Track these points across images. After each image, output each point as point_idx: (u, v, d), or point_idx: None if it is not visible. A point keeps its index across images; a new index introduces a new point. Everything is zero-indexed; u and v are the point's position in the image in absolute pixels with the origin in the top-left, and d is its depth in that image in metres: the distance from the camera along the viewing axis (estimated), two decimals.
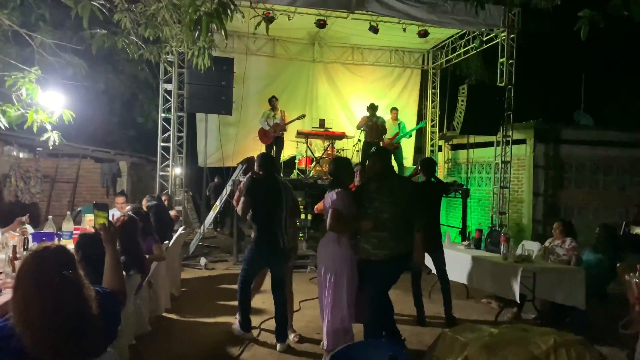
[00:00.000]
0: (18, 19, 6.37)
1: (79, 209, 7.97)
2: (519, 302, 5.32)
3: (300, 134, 10.26)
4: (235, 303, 4.88)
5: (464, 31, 10.41)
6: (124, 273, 3.86)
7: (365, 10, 8.57)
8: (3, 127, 5.65)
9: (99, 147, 9.91)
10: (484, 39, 9.92)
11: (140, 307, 4.60)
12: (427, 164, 5.85)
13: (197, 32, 4.59)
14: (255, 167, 4.77)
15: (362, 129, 10.06)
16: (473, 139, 10.99)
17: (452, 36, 10.95)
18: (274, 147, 9.95)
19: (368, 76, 11.98)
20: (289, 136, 10.34)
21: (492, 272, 5.73)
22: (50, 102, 5.92)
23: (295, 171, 10.32)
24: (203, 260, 8.54)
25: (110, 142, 10.55)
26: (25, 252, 3.94)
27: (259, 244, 4.61)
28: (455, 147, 12.37)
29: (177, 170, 9.70)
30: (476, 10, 4.54)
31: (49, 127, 5.87)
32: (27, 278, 1.97)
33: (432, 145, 12.51)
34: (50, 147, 6.14)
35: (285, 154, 10.61)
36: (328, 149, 10.26)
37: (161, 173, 9.31)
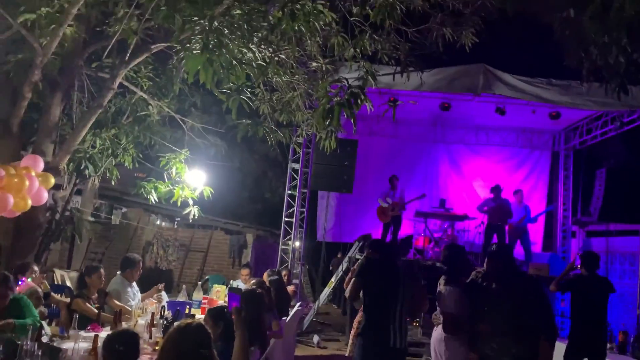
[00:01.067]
0: (175, 106, 7.38)
1: (207, 277, 8.51)
2: None
3: (419, 213, 10.15)
4: None
5: (601, 112, 9.76)
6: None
7: (492, 92, 8.50)
8: (154, 202, 6.44)
9: (229, 219, 10.70)
10: (625, 120, 9.19)
11: None
12: (589, 258, 5.42)
13: (329, 120, 4.93)
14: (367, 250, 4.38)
15: (485, 210, 9.66)
16: (613, 226, 9.91)
17: (588, 117, 10.31)
18: (392, 226, 9.90)
19: (492, 157, 11.63)
20: (407, 215, 10.27)
21: None
22: (194, 180, 6.66)
23: (412, 250, 10.09)
24: (316, 338, 8.52)
25: (240, 215, 11.36)
26: (160, 320, 4.27)
27: (366, 341, 3.93)
28: (591, 234, 11.22)
29: (297, 244, 10.04)
30: (618, 95, 4.28)
31: (191, 202, 6.56)
32: (169, 350, 2.14)
33: (564, 231, 11.49)
34: (190, 220, 6.82)
35: (403, 233, 10.48)
36: (448, 229, 9.95)
37: (283, 247, 9.70)
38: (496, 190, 9.60)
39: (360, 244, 9.76)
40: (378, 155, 11.39)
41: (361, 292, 4.02)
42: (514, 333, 3.63)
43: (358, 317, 4.51)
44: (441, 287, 4.12)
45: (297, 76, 5.79)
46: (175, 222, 10.73)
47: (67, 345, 3.15)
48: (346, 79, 4.85)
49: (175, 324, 2.35)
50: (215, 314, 3.71)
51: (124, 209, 9.68)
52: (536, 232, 11.16)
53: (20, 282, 4.21)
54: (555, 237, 11.54)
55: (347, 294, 4.20)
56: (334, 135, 7.34)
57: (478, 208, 9.85)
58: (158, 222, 10.37)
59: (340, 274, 9.48)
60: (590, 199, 9.25)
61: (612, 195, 8.40)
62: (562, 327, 9.26)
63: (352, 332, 5.58)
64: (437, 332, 4.14)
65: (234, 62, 4.03)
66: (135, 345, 2.65)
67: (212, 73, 3.83)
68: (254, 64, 4.40)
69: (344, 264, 9.37)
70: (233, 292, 2.86)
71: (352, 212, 11.08)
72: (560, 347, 6.05)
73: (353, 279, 4.10)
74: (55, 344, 3.21)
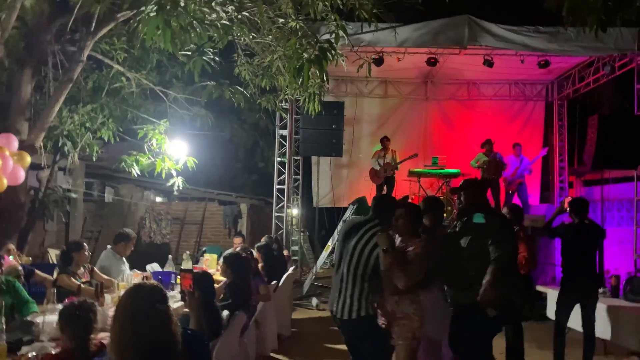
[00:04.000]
0: (155, 78, 7.24)
1: (204, 249, 8.56)
2: None
3: (412, 173, 10.07)
4: (343, 347, 4.68)
5: (592, 58, 9.52)
6: (227, 312, 4.02)
7: (479, 44, 8.27)
8: (136, 175, 6.39)
9: (225, 191, 10.69)
10: (617, 64, 8.96)
11: (246, 346, 4.71)
12: (578, 204, 5.35)
13: (301, 79, 4.80)
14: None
15: (479, 165, 9.57)
16: (608, 173, 9.81)
17: (579, 64, 10.06)
18: (385, 187, 9.86)
19: (486, 111, 11.45)
20: (401, 176, 10.20)
21: (637, 325, 5.00)
22: (176, 151, 6.58)
23: None
24: (315, 301, 8.59)
25: (235, 186, 11.34)
26: None
27: None
28: (588, 183, 11.13)
29: (294, 211, 10.03)
30: (596, 33, 4.12)
31: (174, 173, 6.51)
32: (122, 310, 2.12)
33: (561, 182, 11.42)
34: (175, 192, 6.77)
35: (397, 194, 10.43)
36: (442, 187, 9.90)
37: (277, 214, 9.70)
38: (488, 144, 9.49)
39: (355, 206, 9.74)
40: (368, 116, 11.25)
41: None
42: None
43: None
44: None
45: (270, 37, 5.61)
46: (170, 196, 10.74)
47: (40, 318, 3.15)
48: (315, 35, 4.71)
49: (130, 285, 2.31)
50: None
51: (117, 186, 9.71)
52: (533, 184, 11.09)
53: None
54: (552, 188, 11.47)
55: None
56: (317, 97, 7.21)
57: (471, 164, 9.76)
58: (152, 198, 10.39)
59: (336, 238, 9.49)
60: (583, 147, 9.11)
61: (605, 143, 8.24)
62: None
63: None
64: None
65: (195, 22, 3.89)
66: (93, 312, 2.65)
67: (170, 35, 3.70)
68: (218, 24, 4.25)
69: (339, 227, 9.37)
70: (185, 270, 2.80)
71: (346, 176, 11.03)
72: (553, 294, 6.08)
73: None
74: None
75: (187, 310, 2.77)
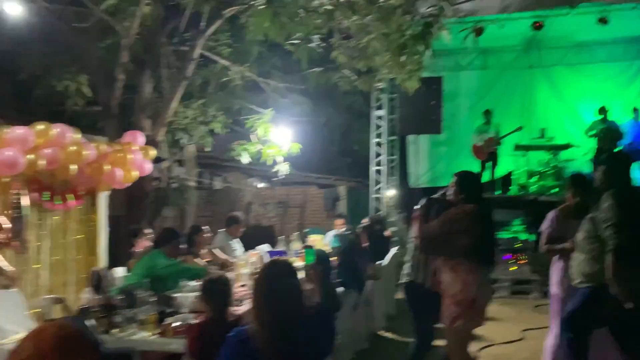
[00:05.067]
0: (256, 70, 7.57)
1: (306, 230, 8.85)
2: None
3: (518, 147, 9.56)
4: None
5: None
6: (343, 289, 4.16)
7: (592, 0, 7.56)
8: (244, 163, 6.77)
9: (322, 174, 10.94)
10: None
11: (357, 324, 4.85)
12: None
13: (404, 56, 4.76)
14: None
15: (595, 134, 8.84)
16: None
17: None
18: (489, 163, 9.47)
19: (598, 75, 10.48)
20: (506, 150, 9.72)
21: None
22: (280, 138, 6.87)
23: (514, 188, 9.59)
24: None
25: (331, 169, 11.54)
26: None
27: None
28: None
29: (391, 192, 10.01)
30: None
31: (280, 159, 6.80)
32: (260, 286, 2.30)
33: None
34: (281, 177, 7.08)
35: (502, 170, 9.98)
36: (551, 161, 9.30)
37: (374, 196, 9.74)
38: (603, 111, 8.73)
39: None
40: (467, 90, 10.81)
41: None
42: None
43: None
44: None
45: (369, 16, 5.59)
46: (272, 182, 11.23)
47: (177, 294, 3.50)
48: (417, 11, 4.63)
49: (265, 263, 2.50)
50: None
51: (224, 175, 10.33)
52: None
53: (138, 243, 4.72)
54: None
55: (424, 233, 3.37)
56: (416, 74, 7.08)
57: (585, 132, 9.04)
58: (255, 184, 10.93)
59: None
60: None
61: None
62: None
63: None
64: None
65: (300, 11, 4.02)
66: (229, 286, 2.90)
67: (278, 26, 3.85)
68: (321, 10, 4.34)
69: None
70: (307, 248, 2.94)
71: (445, 154, 10.73)
72: None
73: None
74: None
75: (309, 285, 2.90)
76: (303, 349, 2.25)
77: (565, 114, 10.55)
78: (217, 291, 2.86)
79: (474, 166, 9.76)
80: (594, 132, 8.88)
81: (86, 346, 1.26)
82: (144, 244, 4.66)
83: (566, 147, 9.35)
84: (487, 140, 9.34)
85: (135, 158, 5.26)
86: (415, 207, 3.58)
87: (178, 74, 6.23)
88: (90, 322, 2.73)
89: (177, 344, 2.82)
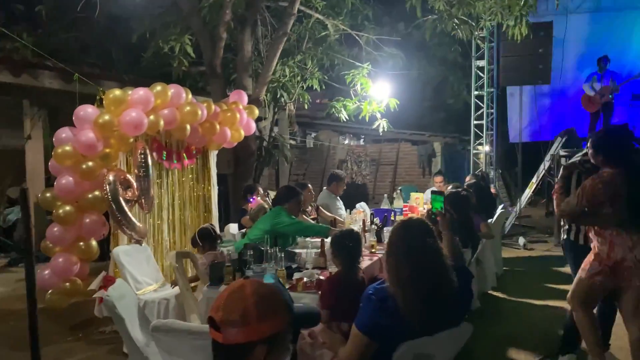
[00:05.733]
0: (348, 22, 7.34)
1: (399, 188, 8.71)
2: None
3: (636, 96, 8.67)
4: (564, 287, 4.38)
5: None
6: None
7: None
8: (344, 120, 6.68)
9: (414, 130, 10.63)
10: None
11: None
12: None
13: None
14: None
15: None
16: None
17: None
18: (602, 115, 8.67)
19: None
20: (622, 100, 8.83)
21: None
22: (379, 93, 6.66)
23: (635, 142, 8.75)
24: (522, 240, 8.19)
25: (423, 125, 11.18)
26: (372, 225, 4.53)
27: None
28: None
29: (487, 148, 9.54)
30: None
31: (378, 115, 6.63)
32: (397, 245, 2.23)
33: None
34: (381, 134, 6.92)
35: (617, 122, 9.11)
36: None
37: (474, 151, 9.32)
38: None
39: (564, 139, 8.84)
40: (576, 36, 9.83)
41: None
42: None
43: None
44: None
45: None
46: (362, 139, 11.09)
47: (300, 250, 3.55)
48: None
49: (397, 222, 2.40)
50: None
51: (315, 133, 10.34)
52: None
53: (251, 200, 4.84)
54: None
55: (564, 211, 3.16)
56: (525, 19, 6.56)
57: None
58: (346, 142, 10.87)
59: (541, 173, 8.80)
60: None
61: None
62: None
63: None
64: None
65: None
66: (360, 241, 2.88)
67: None
68: None
69: (546, 163, 8.62)
70: (435, 194, 2.78)
71: (550, 106, 9.98)
72: None
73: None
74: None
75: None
76: (446, 309, 2.18)
77: None
78: (347, 246, 2.86)
79: (583, 118, 9.05)
80: None
81: (282, 304, 1.26)
82: (258, 201, 4.78)
83: None
84: (600, 89, 8.53)
85: (241, 117, 5.36)
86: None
87: (275, 31, 6.18)
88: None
89: (308, 299, 2.86)
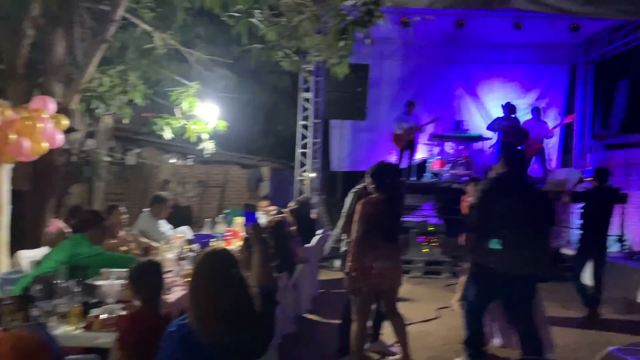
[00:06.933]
0: (179, 38, 7.09)
1: (227, 211, 8.60)
2: None
3: (435, 136, 10.06)
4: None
5: (623, 22, 9.24)
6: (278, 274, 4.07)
7: (509, 6, 8.02)
8: (167, 139, 6.37)
9: (244, 154, 10.66)
10: None
11: (285, 307, 4.81)
12: (601, 172, 6.10)
13: (343, 42, 4.70)
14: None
15: (497, 129, 9.51)
16: (633, 138, 9.72)
17: (609, 27, 9.78)
18: (407, 151, 9.84)
19: (509, 75, 11.25)
20: (423, 139, 10.19)
21: None
22: (206, 114, 6.53)
23: (429, 175, 10.08)
24: (337, 262, 8.70)
25: (253, 149, 11.29)
26: (189, 253, 4.34)
27: None
28: (610, 147, 11.03)
29: (312, 175, 10.04)
30: None
31: (205, 137, 6.48)
32: (198, 277, 2.15)
33: (583, 146, 11.31)
34: (205, 156, 6.76)
35: (418, 157, 10.45)
36: (463, 151, 9.88)
37: (299, 178, 9.71)
38: (508, 108, 9.41)
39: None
40: (390, 79, 11.06)
41: None
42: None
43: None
44: None
45: None
46: (191, 159, 10.74)
47: (102, 282, 3.20)
48: None
49: (201, 252, 2.34)
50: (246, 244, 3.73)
51: (138, 149, 9.67)
52: (552, 148, 11.02)
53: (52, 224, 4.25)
54: (572, 152, 11.37)
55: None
56: (345, 60, 7.06)
57: (489, 127, 9.69)
58: (173, 161, 10.39)
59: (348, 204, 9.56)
60: (609, 112, 8.99)
61: (634, 107, 8.14)
62: None
63: None
64: None
65: None
66: (160, 273, 2.70)
67: None
68: None
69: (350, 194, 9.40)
70: (248, 210, 2.78)
71: (366, 140, 10.98)
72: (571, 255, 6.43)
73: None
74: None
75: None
76: (251, 341, 2.16)
77: (478, 108, 11.23)
78: (147, 279, 2.66)
79: (392, 153, 10.14)
80: (496, 127, 9.55)
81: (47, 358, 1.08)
82: (56, 225, 4.20)
83: (478, 139, 9.97)
84: (406, 129, 9.67)
85: (45, 127, 4.72)
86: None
87: (95, 35, 5.65)
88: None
89: (106, 338, 2.58)
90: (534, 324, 3.81)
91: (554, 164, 11.04)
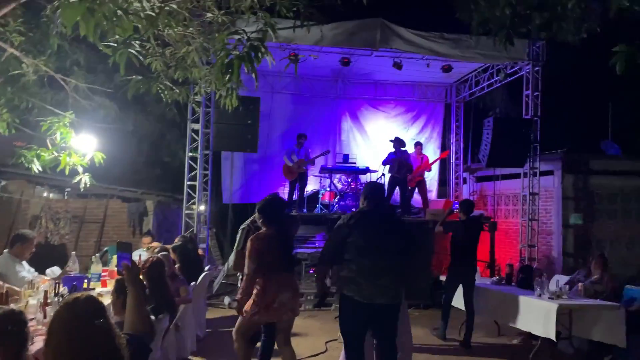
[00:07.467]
0: (54, 64, 6.59)
1: (105, 249, 8.00)
2: (555, 340, 5.23)
3: (324, 169, 10.34)
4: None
5: (488, 65, 10.41)
6: (154, 317, 3.83)
7: (389, 47, 8.66)
8: (37, 171, 5.81)
9: (126, 186, 10.06)
10: (508, 72, 9.89)
11: (167, 350, 4.55)
12: (465, 205, 6.73)
13: (228, 75, 4.67)
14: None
15: (387, 163, 10.03)
16: (499, 171, 10.84)
17: (476, 69, 10.95)
18: (298, 183, 9.98)
19: (391, 111, 12.03)
20: (313, 171, 10.42)
21: (525, 309, 5.73)
22: (82, 145, 6.07)
23: (319, 206, 10.29)
24: (227, 299, 8.45)
25: (137, 181, 10.70)
26: (55, 298, 3.94)
27: None
28: (480, 179, 12.20)
29: (202, 208, 9.75)
30: (505, 46, 4.51)
31: (80, 169, 6.00)
32: (58, 331, 1.93)
33: (456, 178, 12.37)
34: (82, 189, 6.26)
35: (309, 189, 10.64)
36: (352, 183, 10.26)
37: (187, 211, 9.38)
38: (396, 142, 9.97)
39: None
40: (281, 112, 11.26)
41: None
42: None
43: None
44: None
45: (190, 29, 5.39)
46: (66, 193, 9.87)
47: None
48: (245, 31, 4.61)
49: (61, 300, 2.11)
50: (118, 287, 3.49)
51: (3, 182, 8.67)
52: (432, 180, 11.88)
53: None
54: (448, 184, 12.37)
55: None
56: (235, 92, 7.05)
57: (383, 163, 10.20)
58: (45, 194, 9.47)
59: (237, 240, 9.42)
60: (479, 147, 9.94)
61: (498, 143, 9.09)
62: None
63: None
64: None
65: (119, 12, 3.63)
66: (24, 323, 2.41)
67: (94, 24, 3.41)
68: (142, 15, 4.00)
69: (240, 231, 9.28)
70: (121, 250, 2.58)
71: (258, 172, 10.99)
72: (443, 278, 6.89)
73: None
74: None
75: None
76: None
77: (365, 142, 11.81)
78: (8, 331, 2.35)
79: (284, 185, 10.23)
80: (387, 161, 10.08)
81: None
82: None
83: (365, 172, 10.42)
84: (297, 162, 9.84)
85: None
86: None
87: None
88: None
89: None
90: (395, 348, 3.95)
91: (433, 194, 11.90)
